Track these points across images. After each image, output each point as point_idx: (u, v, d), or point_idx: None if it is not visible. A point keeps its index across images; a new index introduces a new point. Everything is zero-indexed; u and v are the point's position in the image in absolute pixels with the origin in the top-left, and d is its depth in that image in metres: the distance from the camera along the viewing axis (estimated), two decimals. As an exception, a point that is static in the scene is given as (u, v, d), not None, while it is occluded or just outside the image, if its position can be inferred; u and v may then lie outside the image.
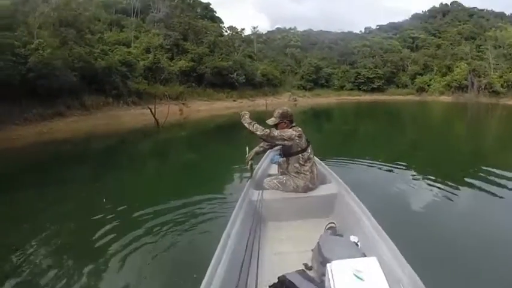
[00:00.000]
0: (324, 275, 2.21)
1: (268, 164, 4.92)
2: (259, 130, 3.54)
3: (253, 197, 3.66)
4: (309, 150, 3.78)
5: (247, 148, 4.34)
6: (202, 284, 2.03)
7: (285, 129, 3.68)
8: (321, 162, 4.63)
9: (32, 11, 20.58)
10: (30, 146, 12.52)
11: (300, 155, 3.70)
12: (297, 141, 3.63)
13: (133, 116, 21.86)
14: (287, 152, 3.76)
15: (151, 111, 19.18)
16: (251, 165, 4.19)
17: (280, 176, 3.92)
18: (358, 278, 1.92)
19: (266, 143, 4.15)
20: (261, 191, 3.71)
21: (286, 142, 3.60)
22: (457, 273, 3.42)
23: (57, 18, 21.99)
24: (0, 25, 16.31)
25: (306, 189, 3.73)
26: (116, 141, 15.25)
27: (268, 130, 3.56)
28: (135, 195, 6.72)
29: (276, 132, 3.58)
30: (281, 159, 4.05)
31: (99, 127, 18.15)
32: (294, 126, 3.78)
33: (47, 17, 21.22)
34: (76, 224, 5.12)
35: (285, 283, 2.24)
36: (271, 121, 3.76)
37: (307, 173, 3.70)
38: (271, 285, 2.31)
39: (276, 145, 3.94)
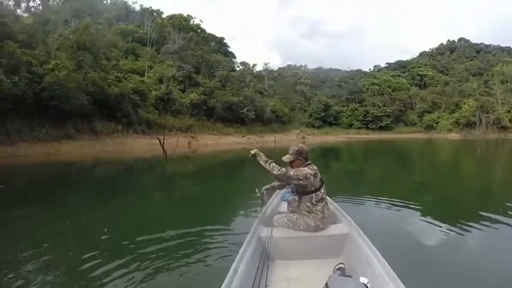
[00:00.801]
0: (332, 317, 2.08)
1: (279, 201, 4.86)
2: (275, 170, 3.48)
3: (262, 233, 3.58)
4: (323, 190, 3.66)
5: (257, 190, 4.35)
6: None
7: (301, 168, 3.57)
8: (332, 201, 4.48)
9: (52, 31, 20.96)
10: (36, 165, 12.33)
11: (313, 194, 3.59)
12: (312, 180, 3.51)
13: (141, 145, 21.75)
14: (300, 191, 3.67)
15: (160, 142, 18.89)
16: (262, 193, 4.17)
17: (291, 214, 3.81)
18: None
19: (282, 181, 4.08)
20: (270, 228, 3.62)
21: (301, 182, 3.49)
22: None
23: (76, 42, 22.41)
24: (20, 41, 16.63)
25: (317, 229, 3.62)
26: (122, 169, 14.93)
27: (284, 170, 3.49)
28: (137, 225, 6.40)
29: (291, 172, 3.49)
30: (291, 197, 4.02)
31: (107, 153, 17.98)
32: (309, 164, 3.67)
33: (66, 39, 21.63)
34: (72, 253, 4.64)
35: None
36: (286, 158, 3.66)
37: (319, 212, 3.60)
38: None
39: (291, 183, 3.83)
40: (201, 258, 4.48)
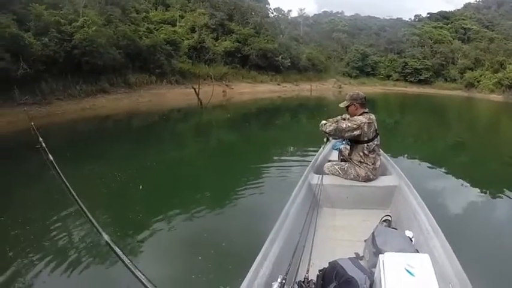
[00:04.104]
0: (374, 265, 2.17)
1: (330, 149, 5.03)
2: (327, 128, 3.61)
3: (313, 180, 3.69)
4: (376, 142, 3.72)
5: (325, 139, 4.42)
6: (255, 262, 2.05)
7: (355, 117, 3.63)
8: (384, 153, 4.51)
9: (78, -11, 20.67)
10: (72, 122, 12.69)
11: (365, 144, 3.65)
12: (365, 130, 3.56)
13: (176, 95, 21.91)
14: (353, 140, 3.73)
15: (195, 90, 18.94)
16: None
17: (342, 163, 3.91)
18: (409, 273, 1.85)
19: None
20: (320, 176, 3.71)
21: (355, 132, 3.54)
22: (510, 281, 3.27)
23: (103, -3, 22.13)
24: (46, 3, 16.66)
25: (367, 179, 3.68)
26: (158, 120, 15.13)
27: (335, 124, 3.57)
28: (178, 175, 6.54)
29: (343, 125, 3.54)
30: (342, 146, 4.23)
31: (141, 105, 18.22)
32: (366, 112, 3.69)
33: (93, -5, 21.36)
34: (109, 213, 4.76)
35: (336, 268, 2.19)
36: (342, 104, 3.78)
37: (370, 163, 3.66)
38: (322, 269, 2.28)
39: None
40: (251, 201, 5.00)
